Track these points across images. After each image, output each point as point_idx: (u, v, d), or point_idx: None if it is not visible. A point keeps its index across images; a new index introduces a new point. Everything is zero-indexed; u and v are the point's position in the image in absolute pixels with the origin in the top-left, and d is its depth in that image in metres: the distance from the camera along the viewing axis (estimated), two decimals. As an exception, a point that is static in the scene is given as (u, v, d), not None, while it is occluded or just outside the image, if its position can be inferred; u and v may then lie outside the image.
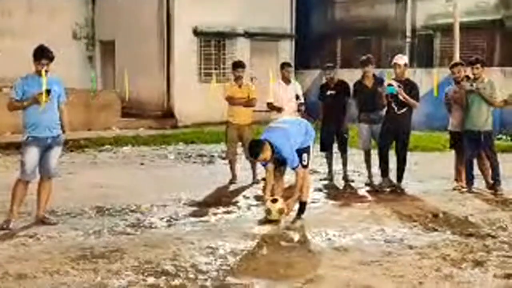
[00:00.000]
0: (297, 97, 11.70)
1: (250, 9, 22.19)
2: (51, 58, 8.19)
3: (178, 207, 9.54)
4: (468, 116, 10.49)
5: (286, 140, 8.29)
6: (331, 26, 25.19)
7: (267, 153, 8.17)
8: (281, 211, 8.30)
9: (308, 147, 8.61)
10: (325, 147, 11.74)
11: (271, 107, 11.54)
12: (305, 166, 8.58)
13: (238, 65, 11.76)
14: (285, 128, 8.55)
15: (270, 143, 8.18)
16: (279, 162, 8.55)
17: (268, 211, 8.36)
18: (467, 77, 10.59)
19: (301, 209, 8.64)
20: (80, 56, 24.66)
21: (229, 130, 11.66)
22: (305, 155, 8.54)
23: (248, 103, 11.47)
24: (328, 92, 11.59)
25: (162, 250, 7.15)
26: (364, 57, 11.59)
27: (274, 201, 8.37)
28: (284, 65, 12.04)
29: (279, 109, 11.37)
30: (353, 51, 23.52)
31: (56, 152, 8.42)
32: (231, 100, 11.54)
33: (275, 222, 8.31)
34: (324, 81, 12.25)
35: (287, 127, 8.58)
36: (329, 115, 11.60)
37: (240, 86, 11.53)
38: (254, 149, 8.28)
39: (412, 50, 22.98)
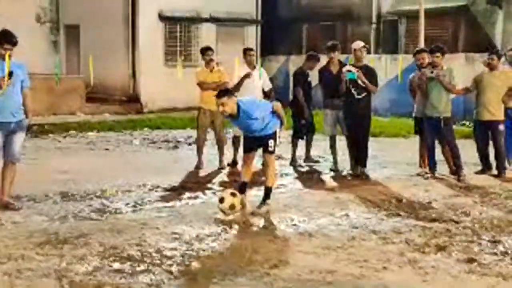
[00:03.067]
0: (269, 92, 11.77)
1: (216, -6, 22.14)
2: (14, 43, 8.09)
3: (143, 192, 9.52)
4: (428, 102, 10.62)
5: (255, 107, 8.31)
6: (297, 11, 25.19)
7: (231, 105, 8.10)
8: (232, 207, 8.01)
9: (275, 133, 8.54)
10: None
11: (239, 83, 11.42)
12: (271, 152, 8.55)
13: (206, 48, 11.73)
14: (254, 100, 8.81)
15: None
16: (244, 127, 8.56)
17: (221, 199, 8.07)
18: (431, 64, 10.69)
19: (266, 195, 8.62)
20: (44, 40, 24.33)
21: (201, 116, 11.60)
22: (271, 141, 8.46)
23: (220, 87, 11.37)
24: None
25: (127, 236, 7.14)
26: (329, 43, 11.64)
27: (233, 194, 8.13)
28: (246, 51, 12.00)
29: (246, 76, 11.35)
30: (319, 36, 23.58)
31: (19, 137, 8.34)
32: (203, 85, 11.46)
33: (223, 213, 8.04)
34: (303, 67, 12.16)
35: (257, 100, 8.83)
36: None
37: (211, 71, 11.48)
38: (223, 92, 8.32)
39: (377, 36, 23.13)
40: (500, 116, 10.78)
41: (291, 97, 12.48)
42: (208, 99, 11.39)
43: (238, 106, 8.18)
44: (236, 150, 11.65)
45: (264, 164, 8.87)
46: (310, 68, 11.94)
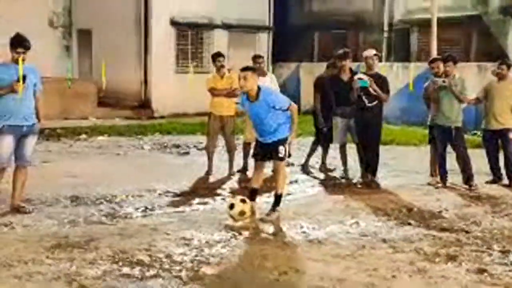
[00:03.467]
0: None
1: (228, 0, 22.17)
2: (27, 47, 8.14)
3: (153, 197, 9.54)
4: (440, 111, 10.62)
5: (275, 96, 8.41)
6: (308, 19, 25.23)
7: (252, 82, 8.20)
8: (241, 213, 8.00)
9: (285, 139, 8.47)
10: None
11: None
12: (281, 159, 8.50)
13: (218, 54, 11.66)
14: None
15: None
16: (256, 118, 8.46)
17: (231, 206, 8.08)
18: (443, 72, 10.67)
19: (276, 202, 8.60)
20: (57, 45, 24.43)
21: (211, 122, 11.58)
22: (282, 148, 8.39)
23: (231, 94, 11.38)
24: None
25: (137, 240, 7.16)
26: (340, 51, 11.63)
27: (243, 201, 8.13)
28: (255, 58, 11.97)
29: None
30: (330, 44, 23.58)
31: (31, 141, 8.38)
32: (214, 92, 11.45)
33: (233, 219, 8.04)
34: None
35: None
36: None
37: (222, 77, 11.45)
38: (248, 67, 8.45)
39: (389, 44, 23.11)
40: (510, 124, 10.76)
41: (302, 103, 12.50)
42: (218, 105, 11.40)
43: (259, 90, 8.24)
44: (246, 156, 11.65)
45: (274, 171, 8.85)
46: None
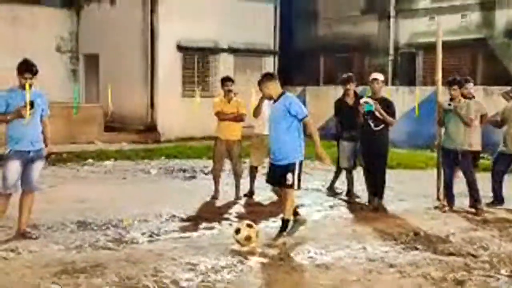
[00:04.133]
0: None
1: (233, 25, 22.27)
2: (34, 72, 8.18)
3: (160, 222, 9.53)
4: (446, 134, 10.66)
5: (295, 101, 8.65)
6: (314, 43, 25.35)
7: (275, 87, 8.71)
8: (248, 238, 7.98)
9: (294, 164, 8.45)
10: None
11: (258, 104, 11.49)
12: (289, 187, 8.48)
13: (226, 79, 11.66)
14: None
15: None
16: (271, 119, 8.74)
17: (238, 230, 8.06)
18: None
19: (283, 227, 8.60)
20: (64, 69, 24.58)
21: (217, 146, 11.57)
22: (290, 175, 8.38)
23: (238, 118, 11.42)
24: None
25: (143, 266, 7.14)
26: (345, 75, 11.68)
27: (249, 226, 8.12)
28: (260, 82, 11.96)
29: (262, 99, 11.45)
30: (336, 68, 23.65)
31: (38, 166, 8.40)
32: (220, 116, 11.45)
33: (239, 244, 8.02)
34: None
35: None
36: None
37: (229, 101, 11.45)
38: (268, 74, 9.10)
39: (394, 68, 23.18)
40: None
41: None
42: (224, 129, 11.41)
43: (282, 94, 8.67)
44: (252, 180, 11.65)
45: (283, 196, 8.79)
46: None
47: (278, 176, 8.53)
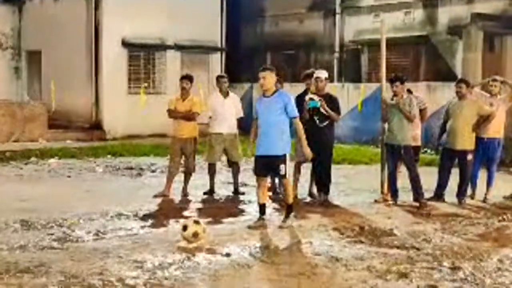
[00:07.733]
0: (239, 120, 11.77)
1: (179, 21, 22.15)
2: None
3: (106, 220, 9.44)
4: (389, 130, 10.82)
5: (290, 98, 9.12)
6: (260, 40, 25.44)
7: (271, 80, 9.09)
8: (195, 235, 7.95)
9: (285, 155, 9.00)
10: None
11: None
12: (283, 176, 9.10)
13: (183, 77, 11.68)
14: None
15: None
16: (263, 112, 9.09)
17: (185, 227, 8.02)
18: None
19: (288, 211, 9.25)
20: (6, 66, 24.17)
21: (172, 144, 11.62)
22: (282, 166, 8.95)
23: (187, 116, 11.37)
24: None
25: (89, 264, 7.07)
26: (308, 71, 11.66)
27: (196, 222, 8.13)
28: (218, 78, 12.00)
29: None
30: (282, 65, 23.74)
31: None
32: (171, 114, 11.45)
33: (186, 241, 7.98)
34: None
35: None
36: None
37: (184, 100, 11.42)
38: (265, 67, 9.35)
39: (340, 64, 23.37)
40: (469, 146, 10.94)
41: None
42: (178, 127, 11.41)
43: (277, 91, 9.13)
44: (212, 178, 11.67)
45: (282, 185, 9.78)
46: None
47: (270, 167, 9.11)
